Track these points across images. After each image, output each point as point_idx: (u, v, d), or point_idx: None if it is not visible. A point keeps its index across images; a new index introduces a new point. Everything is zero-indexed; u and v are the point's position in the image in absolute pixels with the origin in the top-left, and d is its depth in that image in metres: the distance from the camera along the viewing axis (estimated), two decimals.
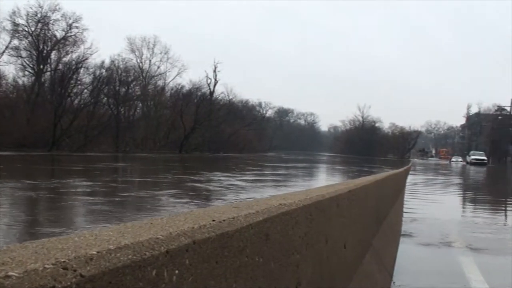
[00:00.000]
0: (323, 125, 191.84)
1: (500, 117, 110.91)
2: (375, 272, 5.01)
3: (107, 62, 66.14)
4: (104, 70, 64.03)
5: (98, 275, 1.01)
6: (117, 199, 14.35)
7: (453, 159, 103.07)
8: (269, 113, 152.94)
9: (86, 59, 59.96)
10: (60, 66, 59.36)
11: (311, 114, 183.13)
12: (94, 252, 1.06)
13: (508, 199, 21.28)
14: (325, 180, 27.88)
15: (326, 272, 2.95)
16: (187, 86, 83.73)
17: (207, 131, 78.67)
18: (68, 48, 60.72)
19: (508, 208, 17.54)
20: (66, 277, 0.95)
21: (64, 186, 17.71)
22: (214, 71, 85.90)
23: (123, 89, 69.59)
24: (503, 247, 8.76)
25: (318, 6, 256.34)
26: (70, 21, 59.84)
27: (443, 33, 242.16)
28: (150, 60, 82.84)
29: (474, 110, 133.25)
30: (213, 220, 1.57)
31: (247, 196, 15.73)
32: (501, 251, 8.36)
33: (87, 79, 61.61)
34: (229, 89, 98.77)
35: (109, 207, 12.40)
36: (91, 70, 61.62)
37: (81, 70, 59.88)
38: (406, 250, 7.76)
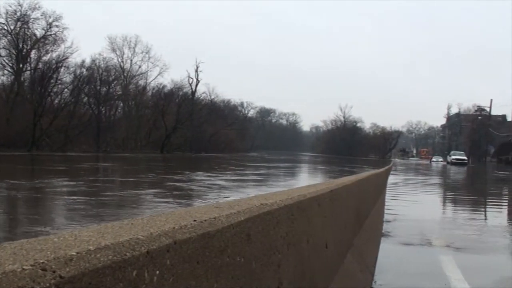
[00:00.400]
0: (305, 125, 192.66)
1: (479, 117, 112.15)
2: (356, 272, 5.03)
3: (87, 61, 65.77)
4: (84, 70, 63.65)
5: (77, 276, 1.00)
6: (98, 199, 14.25)
7: (433, 159, 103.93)
8: (251, 113, 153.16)
9: (67, 58, 59.49)
10: (40, 65, 58.78)
11: (293, 114, 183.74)
12: (74, 253, 1.05)
13: (487, 198, 21.52)
14: (306, 180, 27.95)
15: (308, 272, 2.96)
16: (169, 86, 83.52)
17: (188, 131, 78.46)
18: (48, 47, 60.14)
19: (488, 207, 17.73)
20: (45, 278, 0.94)
21: (46, 186, 17.54)
22: (196, 70, 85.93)
23: (104, 89, 69.19)
24: (483, 246, 8.86)
25: (300, 7, 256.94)
26: (50, 20, 59.26)
27: (422, 34, 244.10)
28: (131, 60, 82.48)
29: (454, 110, 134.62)
30: (195, 220, 1.56)
31: (229, 195, 15.72)
32: (481, 250, 8.45)
33: (67, 78, 61.16)
34: (211, 89, 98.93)
35: (90, 207, 12.31)
36: (71, 69, 61.20)
37: (62, 69, 59.41)
38: (387, 250, 7.81)
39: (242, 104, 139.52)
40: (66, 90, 60.64)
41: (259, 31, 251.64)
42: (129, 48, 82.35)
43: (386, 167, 23.15)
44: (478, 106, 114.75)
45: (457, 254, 7.81)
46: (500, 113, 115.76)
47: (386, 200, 14.81)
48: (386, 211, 12.55)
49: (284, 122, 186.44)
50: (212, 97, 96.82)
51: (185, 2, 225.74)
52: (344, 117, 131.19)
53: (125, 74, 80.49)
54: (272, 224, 2.21)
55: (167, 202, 13.99)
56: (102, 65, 69.76)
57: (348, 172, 29.33)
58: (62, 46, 59.66)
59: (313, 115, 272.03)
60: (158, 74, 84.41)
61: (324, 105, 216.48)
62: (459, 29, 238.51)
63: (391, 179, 26.14)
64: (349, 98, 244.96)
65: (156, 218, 1.56)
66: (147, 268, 1.21)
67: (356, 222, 6.03)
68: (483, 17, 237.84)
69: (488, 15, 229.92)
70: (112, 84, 72.66)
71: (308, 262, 2.97)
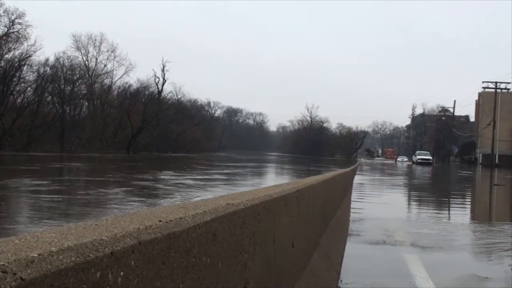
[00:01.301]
0: (272, 125, 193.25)
1: (443, 118, 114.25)
2: (323, 271, 5.07)
3: (51, 60, 64.77)
4: (48, 68, 62.67)
5: (39, 278, 0.98)
6: (60, 199, 14.04)
7: (398, 159, 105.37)
8: (218, 112, 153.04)
9: (30, 56, 58.43)
10: (2, 63, 57.50)
11: (260, 114, 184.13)
12: (35, 255, 1.03)
13: (451, 198, 21.93)
14: (273, 179, 28.03)
15: (274, 271, 2.96)
16: (135, 85, 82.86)
17: (155, 131, 77.95)
18: (10, 45, 58.86)
19: (451, 206, 18.06)
20: (5, 280, 0.92)
21: (7, 186, 17.20)
22: (163, 70, 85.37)
23: (68, 88, 68.18)
24: (447, 244, 9.02)
25: (268, 7, 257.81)
26: (13, 17, 58.03)
27: (388, 35, 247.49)
28: (96, 58, 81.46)
29: (419, 111, 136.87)
30: (160, 221, 1.55)
31: (197, 195, 15.66)
32: (444, 248, 8.60)
33: (30, 77, 60.16)
34: (177, 88, 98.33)
35: (52, 207, 12.11)
36: (34, 67, 60.20)
37: (24, 68, 58.41)
38: (353, 249, 7.88)
39: (209, 103, 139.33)
40: (29, 89, 59.72)
41: (226, 31, 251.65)
42: (94, 46, 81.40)
43: (352, 167, 23.38)
44: (442, 107, 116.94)
45: (421, 253, 7.93)
46: (463, 114, 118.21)
47: (352, 200, 14.95)
48: (352, 211, 12.67)
49: (251, 122, 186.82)
50: (179, 96, 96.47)
51: (152, 1, 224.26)
52: (310, 117, 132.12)
53: (90, 73, 79.50)
54: (238, 224, 2.21)
55: (133, 202, 13.87)
56: (67, 64, 68.87)
57: (314, 172, 29.52)
58: (25, 44, 58.60)
59: (280, 115, 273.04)
60: (124, 73, 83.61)
61: (291, 105, 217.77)
62: (425, 31, 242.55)
63: (357, 179, 26.42)
64: (316, 98, 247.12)
65: (120, 218, 1.55)
66: (111, 269, 1.19)
67: (322, 221, 6.08)
68: (448, 19, 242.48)
69: (453, 17, 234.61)
70: (77, 83, 71.65)
71: (274, 261, 2.97)
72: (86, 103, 76.39)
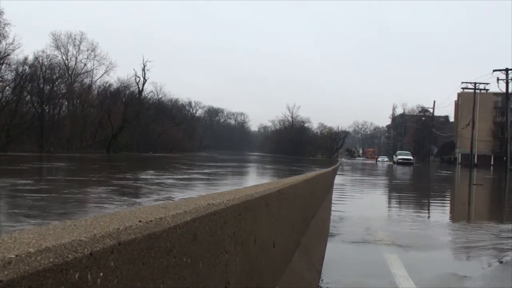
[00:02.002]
0: (253, 125, 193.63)
1: (423, 118, 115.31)
2: (304, 270, 5.08)
3: (30, 59, 64.16)
4: (27, 67, 62.08)
5: (16, 279, 0.97)
6: (40, 198, 13.89)
7: (379, 159, 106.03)
8: (199, 112, 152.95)
9: (8, 55, 57.81)
10: None
11: (241, 114, 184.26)
12: (13, 256, 1.02)
13: (431, 197, 22.13)
14: (255, 179, 28.05)
15: (256, 271, 2.96)
16: (115, 85, 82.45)
17: (135, 131, 77.56)
18: None
19: (431, 206, 18.22)
20: None
21: None
22: (143, 69, 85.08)
23: (48, 87, 67.54)
24: (427, 243, 9.09)
25: (248, 7, 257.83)
26: None
27: (368, 36, 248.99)
28: (76, 57, 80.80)
29: (399, 111, 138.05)
30: (140, 221, 1.54)
31: (177, 195, 15.61)
32: (424, 247, 8.67)
33: (9, 76, 59.49)
34: (158, 88, 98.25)
35: (33, 207, 11.98)
36: (13, 66, 59.58)
37: (3, 66, 57.73)
38: (334, 248, 7.91)
39: (190, 103, 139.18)
40: (7, 88, 58.99)
41: (207, 31, 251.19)
42: (74, 45, 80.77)
43: (333, 167, 23.49)
44: (421, 107, 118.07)
45: (401, 252, 7.99)
46: (443, 114, 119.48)
47: (333, 200, 15.01)
48: (333, 211, 12.73)
49: (232, 122, 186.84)
50: (160, 96, 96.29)
51: (133, 1, 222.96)
52: (292, 117, 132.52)
53: (69, 72, 78.84)
54: (219, 224, 2.20)
55: (113, 201, 13.77)
56: (46, 63, 68.26)
57: (296, 172, 29.59)
58: (4, 42, 57.98)
59: (261, 115, 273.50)
60: (104, 73, 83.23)
61: (272, 105, 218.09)
62: (405, 31, 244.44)
63: (338, 179, 26.53)
64: (297, 98, 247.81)
65: (100, 219, 1.53)
66: (90, 270, 1.18)
67: (303, 221, 6.09)
68: (428, 19, 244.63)
69: (433, 17, 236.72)
70: (56, 82, 71.06)
71: (256, 261, 2.97)
72: (66, 103, 75.81)
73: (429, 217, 14.56)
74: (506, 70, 61.89)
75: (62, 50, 79.46)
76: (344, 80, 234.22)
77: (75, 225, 1.40)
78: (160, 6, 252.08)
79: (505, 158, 62.55)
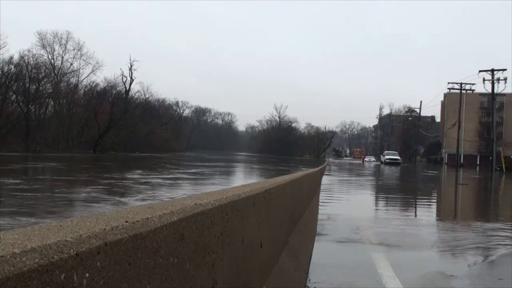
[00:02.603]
0: (241, 125, 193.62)
1: (410, 118, 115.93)
2: (291, 270, 5.08)
3: (16, 58, 63.61)
4: (12, 66, 61.55)
5: (1, 280, 0.97)
6: (28, 197, 13.79)
7: (366, 159, 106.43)
8: (186, 112, 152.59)
9: None
10: None
11: (229, 113, 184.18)
12: None
13: (418, 197, 22.25)
14: (242, 179, 28.04)
15: (243, 271, 2.96)
16: (102, 84, 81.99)
17: (122, 130, 77.19)
18: None
19: (418, 205, 18.31)
20: None
21: None
22: (130, 69, 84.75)
23: (34, 86, 67.04)
24: (413, 243, 9.14)
25: (233, 8, 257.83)
26: None
27: (355, 36, 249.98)
28: (62, 57, 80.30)
29: (386, 111, 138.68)
30: (126, 221, 1.53)
31: (164, 195, 15.57)
32: (411, 246, 8.72)
33: None
34: (145, 87, 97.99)
35: (18, 206, 11.89)
36: None
37: None
38: (321, 248, 7.93)
39: (177, 103, 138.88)
40: None
41: (195, 31, 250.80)
42: (60, 44, 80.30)
43: (321, 167, 23.55)
44: (408, 107, 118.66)
45: (388, 251, 8.02)
46: (429, 114, 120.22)
47: (320, 200, 15.04)
48: (320, 211, 12.76)
49: (219, 121, 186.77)
50: (147, 96, 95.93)
51: (120, 1, 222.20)
52: (279, 117, 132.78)
53: (55, 72, 78.36)
54: (206, 224, 2.20)
55: (100, 200, 13.70)
56: (32, 62, 67.75)
57: (283, 172, 29.61)
58: None
59: (248, 115, 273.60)
60: (91, 72, 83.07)
61: (259, 105, 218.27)
62: (391, 32, 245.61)
63: (326, 179, 26.60)
64: (285, 98, 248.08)
65: (86, 219, 1.53)
66: (76, 271, 1.18)
67: (290, 221, 6.10)
68: (417, 20, 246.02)
69: (420, 18, 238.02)
70: (42, 82, 70.57)
71: (243, 261, 2.97)
72: (52, 102, 75.32)
73: (415, 216, 14.64)
74: (492, 70, 62.38)
75: (48, 49, 79.10)
76: (332, 80, 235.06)
77: (60, 225, 1.39)
78: (148, 5, 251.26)
79: (490, 158, 63.02)
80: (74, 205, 13.49)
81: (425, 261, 7.57)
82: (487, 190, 30.84)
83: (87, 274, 1.22)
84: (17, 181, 19.95)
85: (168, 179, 24.53)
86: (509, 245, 9.34)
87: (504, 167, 60.78)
